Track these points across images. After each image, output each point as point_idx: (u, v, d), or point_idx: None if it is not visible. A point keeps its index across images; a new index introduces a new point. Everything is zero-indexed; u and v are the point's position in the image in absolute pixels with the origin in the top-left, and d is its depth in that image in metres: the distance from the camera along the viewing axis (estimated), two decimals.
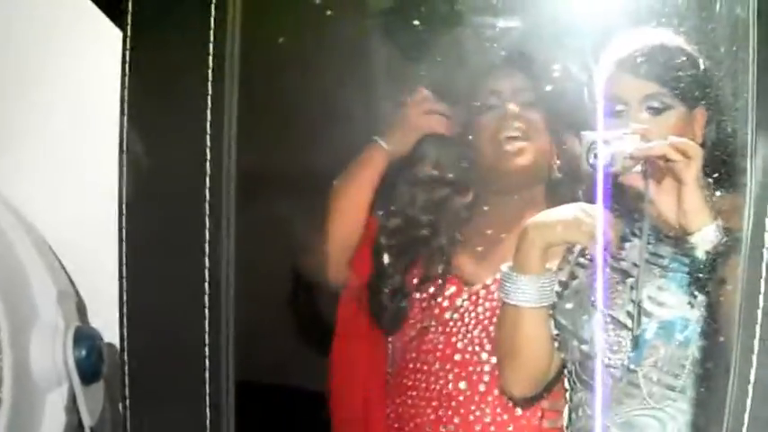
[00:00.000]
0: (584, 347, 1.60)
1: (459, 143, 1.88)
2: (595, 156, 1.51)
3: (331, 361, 1.93)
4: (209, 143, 1.33)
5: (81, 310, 1.62)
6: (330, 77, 1.85)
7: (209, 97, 1.34)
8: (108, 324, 1.51)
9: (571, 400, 1.66)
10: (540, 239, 1.59)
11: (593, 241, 1.57)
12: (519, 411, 1.80)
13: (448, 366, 1.84)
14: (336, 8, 1.80)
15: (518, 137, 1.81)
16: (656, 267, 1.58)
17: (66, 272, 1.63)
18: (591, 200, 1.57)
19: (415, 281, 1.89)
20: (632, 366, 1.57)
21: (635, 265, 1.60)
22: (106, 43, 1.54)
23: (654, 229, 1.57)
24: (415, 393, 1.86)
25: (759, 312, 1.25)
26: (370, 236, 1.92)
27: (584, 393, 1.62)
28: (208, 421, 1.33)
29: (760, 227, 1.26)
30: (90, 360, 1.53)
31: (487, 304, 1.82)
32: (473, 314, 1.84)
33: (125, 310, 1.37)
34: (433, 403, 1.84)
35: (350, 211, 1.88)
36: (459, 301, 1.85)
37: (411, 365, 1.88)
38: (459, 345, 1.84)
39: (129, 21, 1.38)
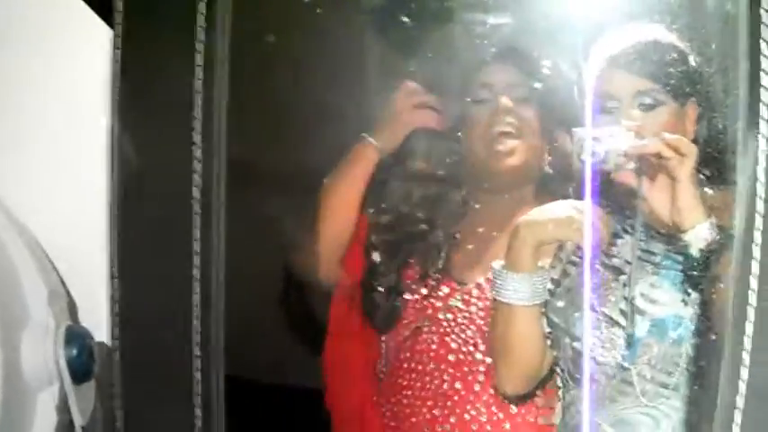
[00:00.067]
0: (576, 345, 1.60)
1: (450, 138, 1.88)
2: (588, 153, 1.51)
3: (324, 360, 1.93)
4: (198, 141, 1.33)
5: (72, 309, 1.61)
6: (320, 75, 1.85)
7: (198, 95, 1.34)
8: (99, 323, 1.50)
9: (563, 398, 1.66)
10: (532, 237, 1.59)
11: (585, 239, 1.57)
12: (514, 409, 1.80)
13: (442, 366, 1.85)
14: (326, 6, 1.80)
15: (510, 132, 1.80)
16: (648, 264, 1.58)
17: (57, 272, 1.63)
18: (582, 197, 1.56)
19: (407, 281, 1.89)
20: (625, 364, 1.57)
21: (627, 262, 1.59)
22: (99, 44, 1.53)
23: (646, 226, 1.57)
24: (410, 393, 1.86)
25: (750, 309, 1.25)
26: (362, 234, 1.92)
27: (576, 391, 1.62)
28: (198, 419, 1.33)
29: (750, 223, 1.25)
30: (81, 359, 1.52)
31: (480, 304, 1.82)
32: (466, 314, 1.84)
33: (116, 308, 1.37)
34: (429, 403, 1.84)
35: (340, 208, 1.88)
36: (452, 301, 1.85)
37: (405, 365, 1.88)
38: (454, 345, 1.84)
39: (119, 19, 1.38)
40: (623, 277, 1.59)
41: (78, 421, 1.52)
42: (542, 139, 1.82)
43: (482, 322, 1.81)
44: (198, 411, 1.33)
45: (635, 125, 1.53)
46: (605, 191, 1.54)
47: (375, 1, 1.88)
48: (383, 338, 1.93)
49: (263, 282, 1.89)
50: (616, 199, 1.59)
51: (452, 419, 1.82)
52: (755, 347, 1.25)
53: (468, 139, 1.86)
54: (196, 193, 1.33)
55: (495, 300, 1.64)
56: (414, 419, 1.85)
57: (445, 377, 1.84)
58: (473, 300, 1.83)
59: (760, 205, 1.26)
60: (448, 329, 1.85)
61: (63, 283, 1.63)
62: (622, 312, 1.57)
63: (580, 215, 1.57)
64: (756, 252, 1.26)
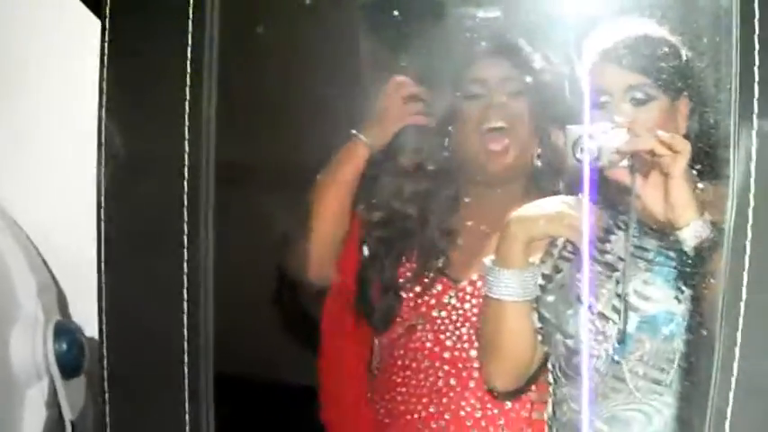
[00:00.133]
0: (568, 342, 1.60)
1: (441, 134, 1.87)
2: (582, 150, 1.50)
3: (319, 359, 1.92)
4: (187, 135, 1.33)
5: (62, 304, 1.61)
6: (310, 69, 1.84)
7: (187, 89, 1.33)
8: (91, 318, 1.50)
9: (555, 394, 1.65)
10: (523, 233, 1.58)
11: (577, 235, 1.57)
12: (509, 405, 1.80)
13: (437, 364, 1.84)
14: (317, 0, 1.80)
15: (502, 128, 1.80)
16: (641, 261, 1.58)
17: (47, 266, 1.63)
18: (573, 192, 1.56)
19: (401, 279, 1.88)
20: (617, 359, 1.56)
21: (620, 258, 1.59)
22: (90, 42, 1.53)
23: (638, 222, 1.56)
24: (404, 390, 1.86)
25: (742, 305, 1.25)
26: (355, 233, 1.91)
27: (568, 388, 1.61)
28: (187, 415, 1.33)
29: (743, 219, 1.25)
30: (71, 354, 1.52)
31: (474, 301, 1.82)
32: (460, 311, 1.83)
33: (104, 303, 1.36)
34: (424, 400, 1.84)
35: (332, 207, 1.86)
36: (446, 299, 1.85)
37: (399, 362, 1.87)
38: (448, 342, 1.84)
39: (108, 12, 1.37)
40: (616, 274, 1.59)
41: (68, 416, 1.52)
42: (534, 135, 1.81)
43: (476, 320, 1.80)
44: (187, 406, 1.33)
45: (627, 121, 1.52)
46: (598, 188, 1.54)
47: None
48: (376, 336, 1.92)
49: (253, 277, 1.88)
50: (608, 194, 1.58)
51: (447, 416, 1.82)
52: (747, 343, 1.24)
53: (459, 135, 1.85)
54: (185, 185, 1.32)
55: (485, 296, 1.64)
56: (408, 416, 1.85)
57: (440, 374, 1.84)
58: (467, 297, 1.83)
59: (752, 200, 1.25)
60: (442, 327, 1.84)
61: (53, 277, 1.63)
62: (614, 309, 1.57)
63: (572, 211, 1.56)
64: (749, 247, 1.25)
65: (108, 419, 1.36)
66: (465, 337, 1.82)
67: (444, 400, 1.82)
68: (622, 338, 1.55)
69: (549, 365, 1.66)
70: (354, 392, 1.92)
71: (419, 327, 1.86)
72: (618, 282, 1.58)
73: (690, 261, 1.50)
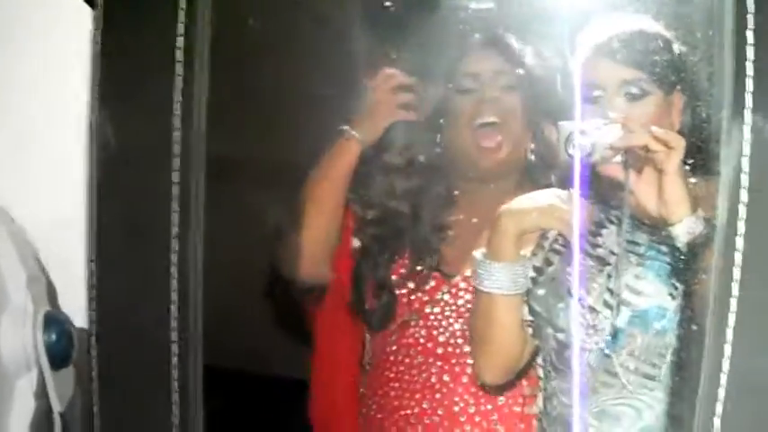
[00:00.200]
0: (559, 335, 1.59)
1: (432, 128, 1.87)
2: (574, 146, 1.50)
3: (312, 353, 1.92)
4: (178, 130, 1.32)
5: (51, 294, 1.60)
6: (302, 63, 1.84)
7: (178, 83, 1.32)
8: (80, 309, 1.49)
9: (545, 388, 1.65)
10: (514, 226, 1.58)
11: (568, 227, 1.56)
12: (502, 400, 1.80)
13: (431, 359, 1.84)
14: None
15: (494, 123, 1.79)
16: (632, 255, 1.57)
17: (36, 257, 1.62)
18: (566, 187, 1.55)
19: (394, 276, 1.88)
20: (608, 354, 1.56)
21: (612, 252, 1.59)
22: (79, 38, 1.52)
23: (630, 216, 1.56)
24: (397, 385, 1.85)
25: (733, 301, 1.25)
26: (348, 232, 1.90)
27: (558, 382, 1.61)
28: (175, 406, 1.33)
29: (734, 214, 1.25)
30: (60, 345, 1.51)
31: (468, 297, 1.81)
32: (454, 307, 1.83)
33: (94, 294, 1.36)
34: (417, 395, 1.83)
35: (325, 204, 1.84)
36: (439, 295, 1.84)
37: (392, 358, 1.87)
38: (442, 338, 1.83)
39: (101, 5, 1.36)
40: (608, 268, 1.58)
41: (57, 407, 1.51)
42: (527, 130, 1.81)
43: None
44: (175, 397, 1.33)
45: (621, 116, 1.52)
46: (591, 183, 1.53)
47: None
48: (368, 331, 1.92)
49: (242, 272, 1.87)
50: (601, 191, 1.58)
51: (440, 411, 1.82)
52: (737, 340, 1.24)
53: (451, 131, 1.85)
54: (175, 177, 1.32)
55: (476, 289, 1.64)
56: (402, 412, 1.84)
57: (433, 370, 1.83)
58: (461, 293, 1.83)
59: (744, 195, 1.25)
60: (435, 323, 1.84)
61: (43, 268, 1.62)
62: (605, 303, 1.56)
63: (563, 204, 1.56)
64: (740, 242, 1.25)
65: (97, 411, 1.36)
66: (458, 333, 1.82)
67: (438, 396, 1.82)
68: (614, 333, 1.55)
69: (540, 359, 1.66)
70: (346, 387, 1.91)
71: (412, 323, 1.85)
72: (609, 276, 1.57)
73: (683, 257, 1.49)
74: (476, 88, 1.81)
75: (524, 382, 1.76)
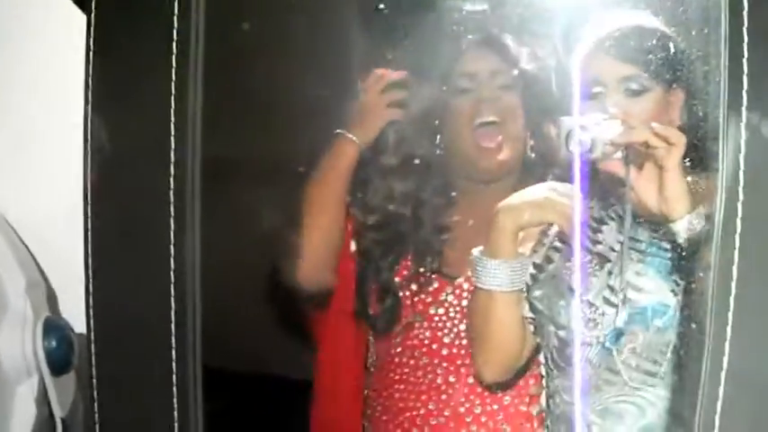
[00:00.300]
0: (560, 333, 1.59)
1: (431, 130, 1.86)
2: (575, 142, 1.49)
3: (317, 354, 1.92)
4: (173, 131, 1.32)
5: (51, 300, 1.61)
6: (297, 64, 1.83)
7: (173, 84, 1.32)
8: (80, 315, 1.49)
9: (548, 386, 1.65)
10: (511, 222, 1.58)
11: (566, 220, 1.56)
12: (508, 399, 1.79)
13: (436, 361, 1.84)
14: None
15: (494, 122, 1.79)
16: (633, 252, 1.57)
17: (36, 262, 1.62)
18: (565, 182, 1.55)
19: (397, 278, 1.87)
20: (610, 351, 1.55)
21: (612, 249, 1.58)
22: (76, 37, 1.52)
23: (631, 213, 1.55)
24: (402, 387, 1.85)
25: (731, 299, 1.24)
26: (350, 237, 1.89)
27: (560, 380, 1.61)
28: (175, 410, 1.33)
29: (732, 212, 1.24)
30: (60, 351, 1.52)
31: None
32: (458, 308, 1.83)
33: (91, 298, 1.36)
34: (423, 397, 1.83)
35: (325, 209, 1.84)
36: (443, 296, 1.84)
37: (397, 359, 1.87)
38: (446, 339, 1.83)
39: (93, 6, 1.36)
40: (608, 265, 1.58)
41: (58, 413, 1.51)
42: (526, 127, 1.80)
43: None
44: (175, 400, 1.32)
45: (621, 113, 1.51)
46: (591, 179, 1.53)
47: None
48: (372, 333, 1.92)
49: (240, 274, 1.87)
50: (602, 187, 1.57)
51: (447, 413, 1.81)
52: (736, 337, 1.24)
53: (450, 132, 1.84)
54: (171, 182, 1.32)
55: (474, 286, 1.63)
56: (408, 413, 1.84)
57: (438, 371, 1.83)
58: (464, 294, 1.82)
59: (741, 193, 1.24)
60: (440, 324, 1.84)
61: (43, 273, 1.62)
62: (606, 300, 1.56)
63: (560, 197, 1.55)
64: (737, 240, 1.24)
65: (97, 415, 1.36)
66: (463, 334, 1.81)
67: (443, 397, 1.82)
68: (615, 330, 1.55)
69: (542, 357, 1.66)
70: (350, 389, 1.91)
71: (417, 324, 1.85)
72: (610, 273, 1.57)
73: (684, 254, 1.49)
74: (473, 88, 1.80)
75: (531, 381, 1.76)
